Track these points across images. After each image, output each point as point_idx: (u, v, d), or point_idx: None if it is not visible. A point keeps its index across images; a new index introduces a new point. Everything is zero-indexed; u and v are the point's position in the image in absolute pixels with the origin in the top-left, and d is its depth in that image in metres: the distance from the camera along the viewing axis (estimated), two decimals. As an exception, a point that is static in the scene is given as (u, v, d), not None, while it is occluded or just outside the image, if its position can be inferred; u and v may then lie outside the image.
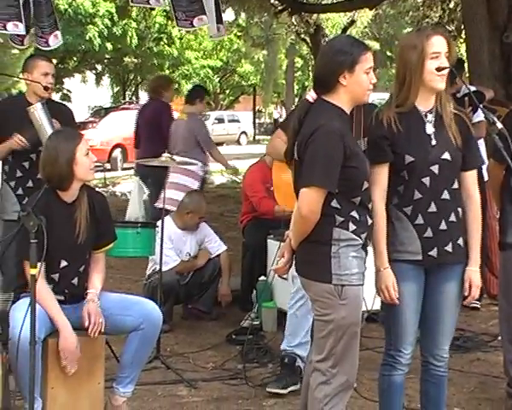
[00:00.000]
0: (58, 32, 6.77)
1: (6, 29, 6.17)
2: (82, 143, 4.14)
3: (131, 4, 10.05)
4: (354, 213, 3.37)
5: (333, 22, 24.91)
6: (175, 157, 5.82)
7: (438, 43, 3.50)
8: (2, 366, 3.83)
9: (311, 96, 3.46)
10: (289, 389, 4.81)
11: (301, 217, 3.33)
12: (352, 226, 3.36)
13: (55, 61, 5.83)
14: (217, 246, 6.69)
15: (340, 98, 3.40)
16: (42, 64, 5.20)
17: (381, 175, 3.54)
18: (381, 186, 3.54)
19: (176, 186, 7.63)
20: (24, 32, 6.22)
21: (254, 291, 6.52)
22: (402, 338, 3.63)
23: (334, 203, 3.34)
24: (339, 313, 3.37)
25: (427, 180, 3.51)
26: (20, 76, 5.76)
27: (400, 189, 3.56)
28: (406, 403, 4.36)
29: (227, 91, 45.83)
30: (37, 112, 4.96)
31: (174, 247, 6.42)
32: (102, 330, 4.13)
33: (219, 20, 7.18)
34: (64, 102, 7.68)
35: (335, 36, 5.68)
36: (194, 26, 6.93)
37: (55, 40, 6.73)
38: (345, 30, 22.48)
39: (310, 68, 34.82)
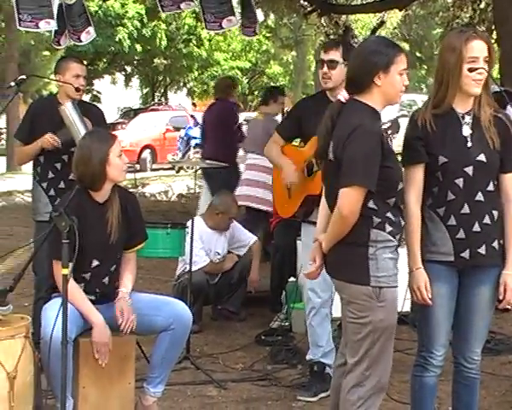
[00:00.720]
0: (90, 28, 6.83)
1: (39, 27, 6.25)
2: (115, 145, 4.17)
3: (163, 13, 10.15)
4: (389, 215, 3.35)
5: (362, 23, 24.77)
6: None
7: (477, 48, 3.45)
8: (35, 365, 3.86)
9: (343, 96, 3.44)
10: (320, 396, 4.78)
11: (341, 217, 3.30)
12: (388, 228, 3.34)
13: (85, 62, 5.89)
14: (248, 238, 6.76)
15: (374, 98, 3.39)
16: (74, 66, 5.21)
17: (416, 176, 3.52)
18: (415, 187, 3.52)
19: (248, 182, 7.74)
20: (56, 27, 6.30)
21: (284, 292, 6.52)
22: (434, 339, 3.61)
23: (371, 204, 3.31)
24: (376, 316, 3.34)
25: (460, 181, 3.48)
26: (52, 77, 5.81)
27: (435, 190, 3.53)
28: (436, 405, 4.32)
29: (256, 93, 45.76)
30: (68, 109, 4.98)
31: (204, 246, 6.44)
32: (134, 328, 4.15)
33: (254, 20, 7.24)
34: (95, 103, 7.73)
35: (367, 37, 5.65)
36: (222, 28, 6.97)
37: (87, 36, 6.80)
38: (374, 31, 22.28)
39: (339, 69, 34.57)
